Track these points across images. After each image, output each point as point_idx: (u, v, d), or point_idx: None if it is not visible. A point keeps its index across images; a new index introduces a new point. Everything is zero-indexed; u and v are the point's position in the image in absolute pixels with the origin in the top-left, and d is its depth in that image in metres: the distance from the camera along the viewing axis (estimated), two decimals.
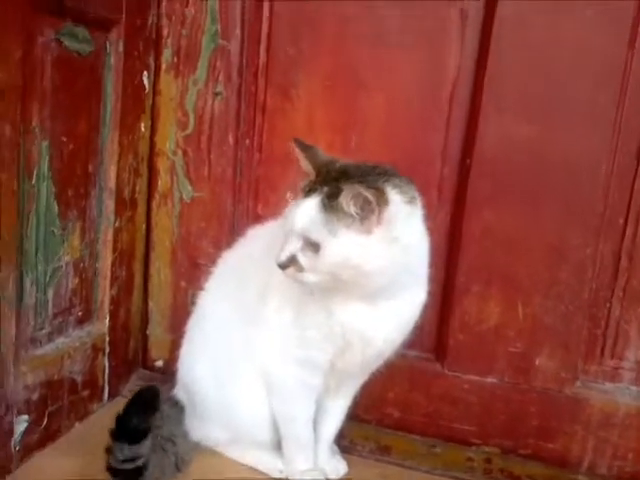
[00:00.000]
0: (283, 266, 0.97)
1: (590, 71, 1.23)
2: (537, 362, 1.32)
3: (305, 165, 1.01)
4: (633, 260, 1.29)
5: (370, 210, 0.91)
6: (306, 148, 1.01)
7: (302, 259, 0.95)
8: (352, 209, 0.91)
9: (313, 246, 0.94)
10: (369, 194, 0.90)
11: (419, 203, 0.99)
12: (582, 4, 1.21)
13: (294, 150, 1.01)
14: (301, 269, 0.96)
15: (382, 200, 0.92)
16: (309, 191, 0.96)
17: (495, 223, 1.30)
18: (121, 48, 1.31)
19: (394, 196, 0.94)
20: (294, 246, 0.96)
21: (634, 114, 1.24)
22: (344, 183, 0.93)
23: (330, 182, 0.95)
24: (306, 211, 0.95)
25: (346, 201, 0.91)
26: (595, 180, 1.26)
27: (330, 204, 0.93)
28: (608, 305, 1.31)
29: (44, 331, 1.21)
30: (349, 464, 1.22)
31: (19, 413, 1.12)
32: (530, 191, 1.28)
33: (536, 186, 1.28)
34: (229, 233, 1.45)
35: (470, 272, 1.33)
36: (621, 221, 1.28)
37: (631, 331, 1.31)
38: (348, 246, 0.93)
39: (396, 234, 0.94)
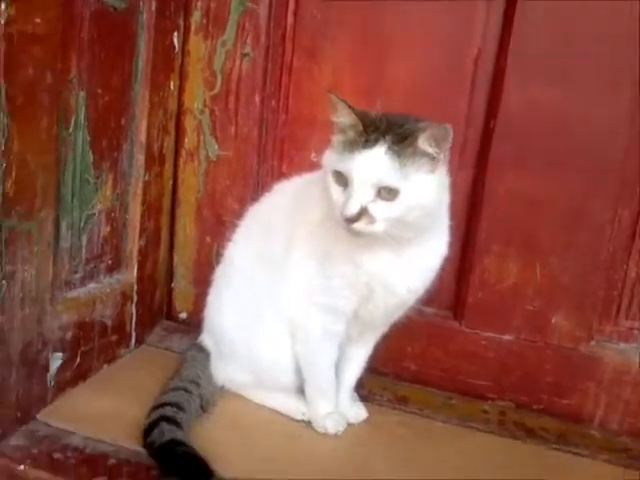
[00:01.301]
0: (354, 219, 0.95)
1: (612, 35, 1.24)
2: (553, 321, 1.35)
3: (347, 118, 0.99)
4: None
5: (445, 148, 0.96)
6: (345, 102, 0.99)
7: (374, 209, 0.95)
8: (431, 149, 0.96)
9: (390, 194, 0.95)
10: (447, 131, 0.95)
11: None
12: None
13: (335, 102, 0.99)
14: (372, 220, 0.96)
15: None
16: (366, 142, 0.96)
17: (516, 185, 1.32)
18: (153, 7, 1.34)
19: None
20: (366, 198, 0.95)
21: None
22: (410, 128, 0.96)
23: (386, 131, 0.96)
24: (376, 161, 0.95)
25: (427, 142, 0.95)
26: (615, 145, 1.28)
27: (401, 149, 0.95)
28: (625, 267, 1.34)
29: (78, 275, 1.26)
30: (368, 412, 1.26)
31: (54, 350, 1.16)
32: (552, 154, 1.31)
33: (558, 149, 1.30)
34: (254, 191, 1.49)
35: (490, 232, 1.35)
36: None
37: None
38: (421, 187, 0.96)
39: (444, 171, 1.02)
